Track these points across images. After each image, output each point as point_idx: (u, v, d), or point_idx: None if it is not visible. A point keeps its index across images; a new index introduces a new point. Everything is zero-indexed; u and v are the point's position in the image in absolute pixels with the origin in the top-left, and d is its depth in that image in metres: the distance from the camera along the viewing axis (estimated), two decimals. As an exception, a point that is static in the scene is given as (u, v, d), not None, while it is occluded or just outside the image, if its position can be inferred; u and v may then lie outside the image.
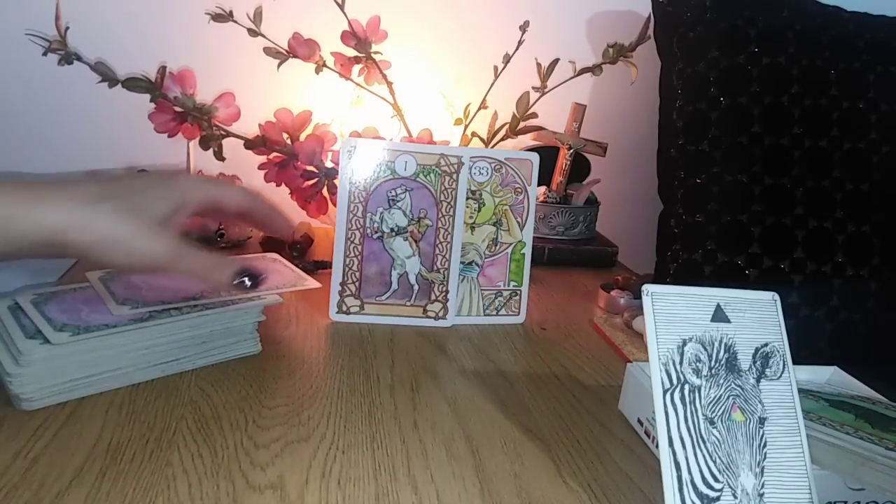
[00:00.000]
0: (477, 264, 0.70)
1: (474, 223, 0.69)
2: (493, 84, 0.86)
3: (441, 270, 0.67)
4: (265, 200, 0.52)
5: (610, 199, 1.04)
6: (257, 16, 0.79)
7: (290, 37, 0.81)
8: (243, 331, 0.56)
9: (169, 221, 0.44)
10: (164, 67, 0.73)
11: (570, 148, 0.95)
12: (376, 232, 0.66)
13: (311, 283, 0.60)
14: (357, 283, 0.66)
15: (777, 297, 0.44)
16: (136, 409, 0.47)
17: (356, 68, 0.85)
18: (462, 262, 0.68)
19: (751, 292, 0.43)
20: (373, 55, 0.84)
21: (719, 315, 0.42)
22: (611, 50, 0.86)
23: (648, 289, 0.41)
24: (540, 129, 0.93)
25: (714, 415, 0.39)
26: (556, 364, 0.62)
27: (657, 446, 0.40)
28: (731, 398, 0.40)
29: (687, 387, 0.40)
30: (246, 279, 0.48)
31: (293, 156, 0.78)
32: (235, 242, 0.87)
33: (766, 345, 0.42)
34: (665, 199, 0.90)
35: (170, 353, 0.51)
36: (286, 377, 0.54)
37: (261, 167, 0.79)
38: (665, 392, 0.39)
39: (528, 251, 0.71)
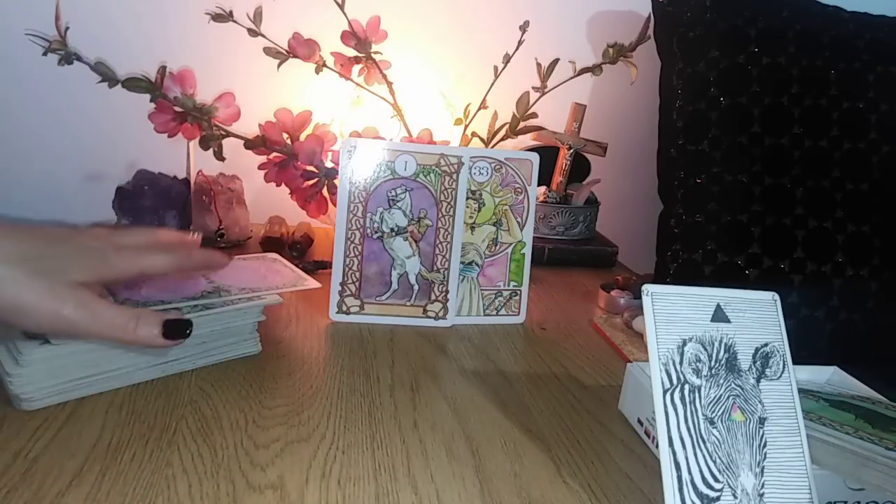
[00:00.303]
0: (477, 264, 0.70)
1: (474, 223, 0.69)
2: (493, 84, 0.86)
3: (441, 270, 0.67)
4: (189, 255, 0.49)
5: (610, 199, 1.04)
6: (257, 16, 0.79)
7: (290, 37, 0.81)
8: (243, 331, 0.56)
9: (86, 284, 0.42)
10: (164, 67, 0.73)
11: (570, 148, 0.95)
12: (376, 232, 0.66)
13: (311, 282, 0.60)
14: (357, 283, 0.66)
15: (777, 297, 0.44)
16: (136, 409, 0.47)
17: (356, 68, 0.85)
18: (462, 262, 0.68)
19: (751, 292, 0.43)
20: (373, 55, 0.84)
21: (719, 315, 0.42)
22: (611, 50, 0.86)
23: (648, 289, 0.41)
24: (540, 129, 0.93)
25: (714, 415, 0.39)
26: (556, 364, 0.62)
27: (657, 446, 0.40)
28: (731, 398, 0.40)
29: (687, 387, 0.40)
30: (175, 330, 0.44)
31: (293, 156, 0.78)
32: (235, 242, 0.87)
33: (766, 345, 0.42)
34: (665, 199, 0.90)
35: (170, 353, 0.51)
36: (286, 377, 0.54)
37: (261, 167, 0.79)
38: (665, 392, 0.39)
39: (528, 251, 0.71)
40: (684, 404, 0.39)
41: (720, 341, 0.41)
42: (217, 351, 0.55)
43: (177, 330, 0.44)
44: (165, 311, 0.50)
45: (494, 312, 0.71)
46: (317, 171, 0.78)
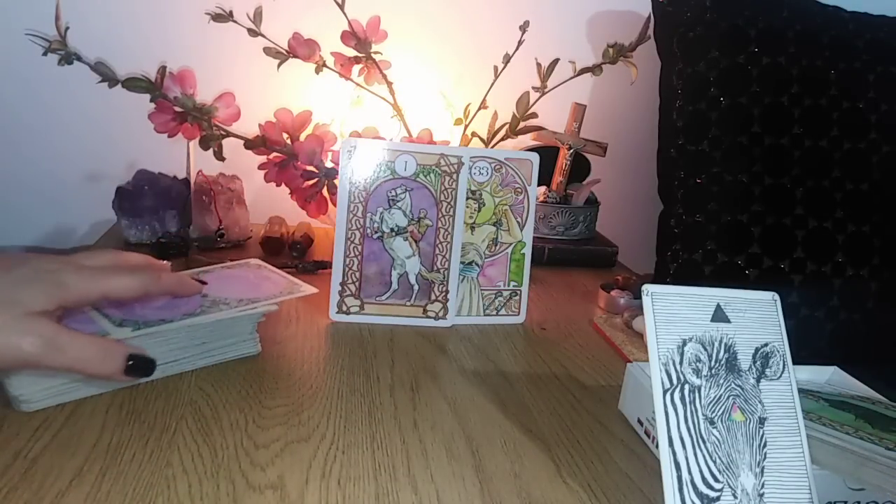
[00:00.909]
0: (477, 264, 0.70)
1: (474, 223, 0.69)
2: (493, 84, 0.86)
3: (441, 270, 0.67)
4: (158, 278, 0.47)
5: (610, 199, 1.04)
6: (257, 16, 0.79)
7: (290, 37, 0.81)
8: (243, 331, 0.56)
9: (47, 313, 0.40)
10: (164, 67, 0.73)
11: (570, 148, 0.95)
12: (376, 232, 0.66)
13: (307, 288, 0.58)
14: (357, 283, 0.66)
15: (777, 297, 0.44)
16: (136, 409, 0.47)
17: (356, 68, 0.85)
18: (462, 262, 0.68)
19: (751, 292, 0.43)
20: (373, 55, 0.84)
21: (719, 315, 0.42)
22: (611, 50, 0.86)
23: (648, 289, 0.41)
24: (540, 129, 0.93)
25: (714, 415, 0.39)
26: (556, 364, 0.62)
27: (657, 446, 0.40)
28: (731, 398, 0.40)
29: (687, 387, 0.40)
30: (139, 364, 0.44)
31: (293, 156, 0.78)
32: (235, 242, 0.87)
33: (766, 345, 0.42)
34: (665, 199, 0.90)
35: (170, 354, 0.51)
36: (286, 377, 0.54)
37: (261, 167, 0.79)
38: (665, 392, 0.39)
39: (528, 251, 0.71)
40: (684, 404, 0.39)
41: (720, 341, 0.41)
42: (217, 351, 0.54)
43: (140, 367, 0.43)
44: (163, 329, 0.49)
45: (494, 312, 0.71)
46: (317, 171, 0.78)
